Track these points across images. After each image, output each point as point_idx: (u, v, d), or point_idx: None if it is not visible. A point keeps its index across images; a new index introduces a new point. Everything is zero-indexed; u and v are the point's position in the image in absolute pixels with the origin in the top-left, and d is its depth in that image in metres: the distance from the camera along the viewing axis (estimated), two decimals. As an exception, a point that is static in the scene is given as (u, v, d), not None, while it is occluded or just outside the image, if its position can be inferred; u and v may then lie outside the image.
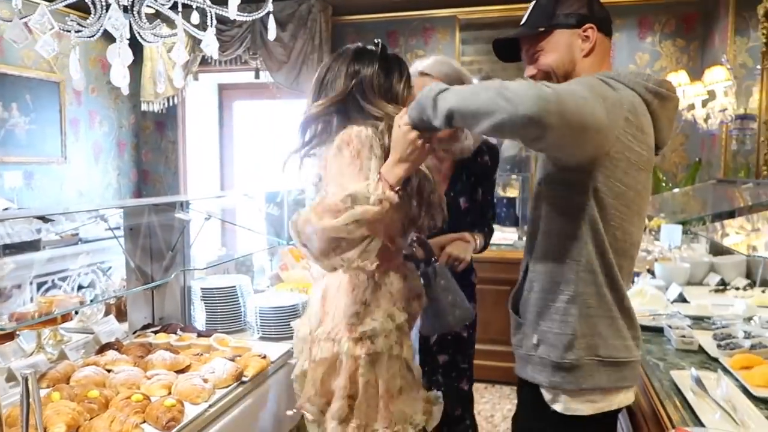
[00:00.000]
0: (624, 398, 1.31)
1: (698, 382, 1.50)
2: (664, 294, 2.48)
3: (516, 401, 1.51)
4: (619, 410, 1.33)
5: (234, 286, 2.40)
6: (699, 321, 2.14)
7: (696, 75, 3.97)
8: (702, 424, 1.32)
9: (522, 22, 1.42)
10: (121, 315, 2.44)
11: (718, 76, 3.40)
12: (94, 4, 2.26)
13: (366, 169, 1.37)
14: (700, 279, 2.82)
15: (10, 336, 1.99)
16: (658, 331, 2.03)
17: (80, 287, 3.60)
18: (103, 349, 2.00)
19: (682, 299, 2.44)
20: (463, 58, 5.01)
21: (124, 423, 1.47)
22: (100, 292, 2.80)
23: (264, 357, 1.94)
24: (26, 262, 3.50)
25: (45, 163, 4.74)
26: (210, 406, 1.65)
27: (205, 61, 5.04)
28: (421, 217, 1.57)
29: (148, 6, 2.45)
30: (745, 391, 1.48)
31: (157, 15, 2.71)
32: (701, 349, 1.83)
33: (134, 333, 2.26)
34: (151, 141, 5.76)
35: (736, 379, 1.55)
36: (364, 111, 1.49)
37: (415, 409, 1.55)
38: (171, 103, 5.26)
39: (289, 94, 5.09)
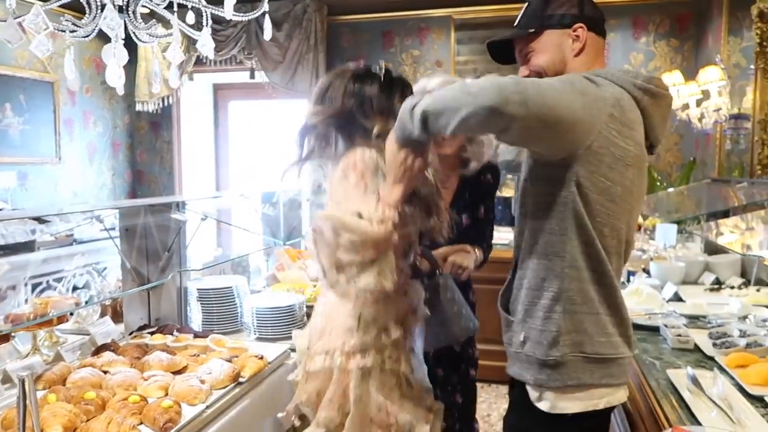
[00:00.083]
0: (613, 398, 1.30)
1: (694, 380, 1.50)
2: (659, 293, 2.49)
3: None
4: (608, 410, 1.31)
5: (230, 287, 2.40)
6: (694, 320, 2.15)
7: (690, 75, 3.99)
8: (699, 423, 1.33)
9: (515, 24, 1.43)
10: (117, 316, 2.43)
11: (712, 76, 3.42)
12: (89, 4, 2.25)
13: (371, 192, 1.37)
14: (695, 278, 2.84)
15: (6, 338, 1.97)
16: (654, 330, 2.04)
17: (75, 288, 3.58)
18: (99, 350, 1.99)
19: (677, 298, 2.45)
20: (458, 57, 5.01)
21: (121, 425, 1.47)
22: (96, 293, 2.80)
23: (261, 358, 1.93)
24: (21, 263, 3.49)
25: (39, 163, 4.72)
26: (207, 407, 1.64)
27: (200, 61, 5.03)
28: (428, 230, 1.56)
29: (143, 6, 2.44)
30: (741, 390, 1.49)
31: (152, 15, 2.70)
32: (697, 348, 1.83)
33: (130, 334, 2.26)
34: (146, 141, 5.74)
35: (732, 378, 1.56)
36: (366, 130, 1.47)
37: (414, 423, 1.52)
38: (166, 103, 5.25)
39: (284, 94, 5.08)
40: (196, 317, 2.37)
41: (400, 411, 1.50)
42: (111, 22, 2.12)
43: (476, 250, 1.94)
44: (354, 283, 1.32)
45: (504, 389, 3.26)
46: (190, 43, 4.65)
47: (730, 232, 3.07)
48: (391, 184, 1.34)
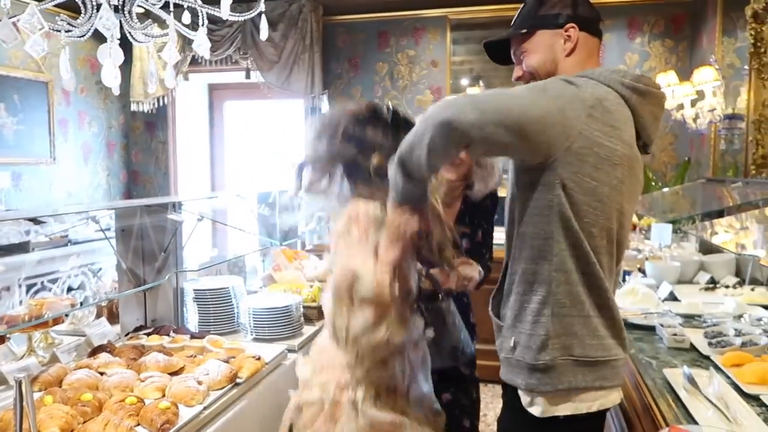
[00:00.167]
0: (606, 400, 1.28)
1: (691, 379, 1.51)
2: (655, 293, 2.50)
3: None
4: (602, 412, 1.30)
5: (227, 288, 2.39)
6: (690, 319, 2.16)
7: (685, 75, 4.01)
8: (695, 422, 1.33)
9: (511, 24, 1.44)
10: (113, 317, 2.42)
11: (706, 77, 3.43)
12: (84, 3, 2.24)
13: (372, 250, 1.40)
14: (690, 277, 2.85)
15: (0, 339, 1.96)
16: (650, 329, 2.04)
17: (70, 289, 3.57)
18: (95, 351, 1.98)
19: (673, 298, 2.46)
20: (453, 58, 5.02)
21: (119, 426, 1.46)
22: (91, 293, 2.78)
23: (258, 358, 1.93)
24: (15, 264, 3.47)
25: (33, 163, 4.69)
26: (205, 408, 1.64)
27: (195, 61, 5.02)
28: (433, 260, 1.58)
29: (138, 6, 2.44)
30: (737, 389, 1.50)
31: (147, 14, 2.69)
32: (693, 347, 1.84)
33: (126, 335, 2.25)
34: (141, 141, 5.72)
35: (728, 377, 1.57)
36: (371, 179, 1.46)
37: None
38: (161, 104, 5.23)
39: (280, 94, 5.07)
40: (192, 318, 2.36)
41: None
42: (107, 21, 2.11)
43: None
44: (358, 341, 1.37)
45: (500, 389, 3.22)
46: (185, 42, 4.63)
47: (724, 232, 3.09)
48: (388, 244, 1.37)
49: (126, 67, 4.77)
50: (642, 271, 2.93)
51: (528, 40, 1.39)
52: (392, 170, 1.29)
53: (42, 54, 2.25)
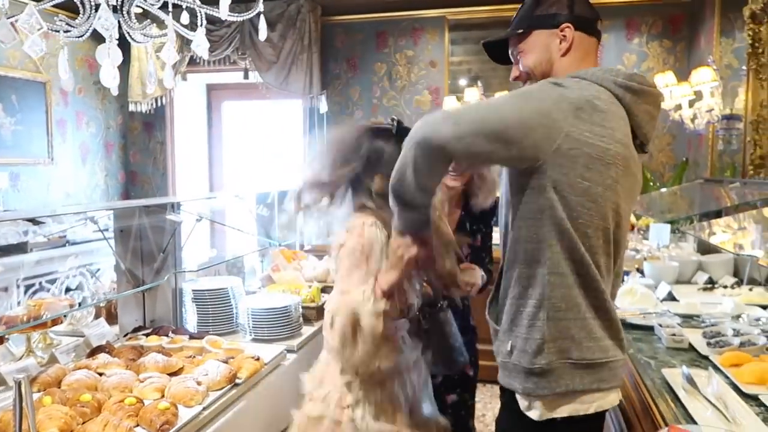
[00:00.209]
0: (604, 401, 1.28)
1: (689, 379, 1.51)
2: (653, 293, 2.51)
3: None
4: (600, 413, 1.29)
5: (226, 288, 2.39)
6: (688, 319, 2.16)
7: (683, 76, 4.02)
8: (694, 422, 1.34)
9: (510, 24, 1.44)
10: (112, 318, 2.42)
11: (704, 77, 3.44)
12: (83, 4, 2.24)
13: (372, 273, 1.47)
14: (688, 277, 2.86)
15: (-1, 340, 1.96)
16: (649, 329, 2.05)
17: (68, 290, 3.56)
18: (94, 352, 1.98)
19: (671, 298, 2.46)
20: (452, 58, 5.02)
21: (118, 427, 1.46)
22: (89, 294, 2.77)
23: (257, 359, 1.93)
24: (13, 264, 3.46)
25: (31, 164, 4.69)
26: (204, 409, 1.64)
27: (193, 61, 5.01)
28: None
29: (137, 6, 2.43)
30: (736, 389, 1.50)
31: (145, 15, 2.68)
32: (691, 347, 1.85)
33: (125, 336, 2.25)
34: (139, 142, 5.71)
35: (727, 377, 1.57)
36: (372, 197, 1.53)
37: None
38: (159, 104, 5.23)
39: (278, 94, 5.07)
40: (191, 318, 2.36)
41: None
42: (105, 22, 2.11)
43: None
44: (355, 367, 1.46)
45: (498, 389, 3.22)
46: (183, 43, 4.63)
47: (722, 232, 3.09)
48: (387, 269, 1.44)
49: (124, 67, 4.77)
50: (640, 271, 2.94)
51: (524, 40, 1.39)
52: (390, 200, 1.33)
53: (40, 54, 2.25)
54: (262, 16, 2.58)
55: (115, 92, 2.59)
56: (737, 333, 1.85)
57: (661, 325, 1.98)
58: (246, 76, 5.08)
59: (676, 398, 1.46)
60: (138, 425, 1.52)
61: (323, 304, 2.56)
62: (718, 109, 3.41)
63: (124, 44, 2.35)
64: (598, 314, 1.26)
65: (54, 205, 4.86)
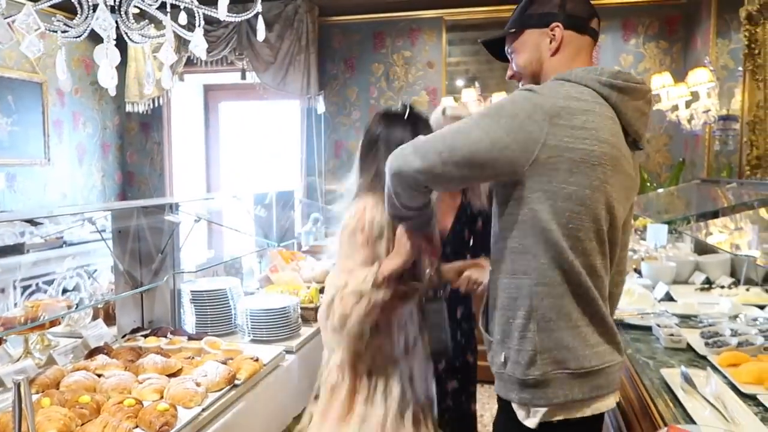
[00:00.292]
0: (601, 404, 1.27)
1: (688, 379, 1.52)
2: (651, 293, 2.52)
3: None
4: (598, 416, 1.28)
5: (224, 289, 2.39)
6: (686, 319, 2.17)
7: (679, 76, 4.03)
8: (693, 422, 1.34)
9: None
10: (110, 319, 2.41)
11: (701, 78, 3.45)
12: (80, 4, 2.23)
13: (373, 255, 1.57)
14: (685, 278, 2.87)
15: (-3, 341, 1.96)
16: (647, 329, 2.06)
17: (65, 291, 3.55)
18: (92, 353, 1.98)
19: (669, 298, 2.47)
20: (449, 59, 5.03)
21: (117, 428, 1.46)
22: (87, 295, 2.77)
23: (256, 360, 1.93)
24: (10, 265, 3.45)
25: (28, 164, 4.67)
26: (203, 410, 1.64)
27: (190, 62, 5.00)
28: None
29: (135, 6, 2.43)
30: (734, 388, 1.51)
31: (142, 15, 2.68)
32: (689, 347, 1.85)
33: (123, 337, 2.24)
34: (136, 142, 5.70)
35: (725, 377, 1.58)
36: (379, 179, 1.56)
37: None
38: (156, 104, 5.22)
39: (275, 94, 5.07)
40: (189, 319, 2.36)
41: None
42: (103, 22, 2.10)
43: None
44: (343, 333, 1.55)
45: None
46: (180, 43, 4.62)
47: (719, 232, 3.10)
48: (391, 256, 1.55)
49: (121, 68, 4.77)
50: (638, 271, 2.95)
51: (517, 39, 1.38)
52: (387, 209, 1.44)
53: (38, 54, 2.24)
54: (260, 17, 2.58)
55: (112, 93, 2.58)
56: (735, 333, 1.85)
57: (659, 326, 1.99)
58: (243, 77, 5.08)
59: (675, 398, 1.47)
60: (137, 426, 1.52)
61: (322, 305, 2.57)
62: (714, 109, 3.42)
63: (120, 45, 2.34)
64: (593, 321, 1.25)
65: (51, 205, 4.85)
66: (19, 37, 2.25)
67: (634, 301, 2.38)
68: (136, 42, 2.51)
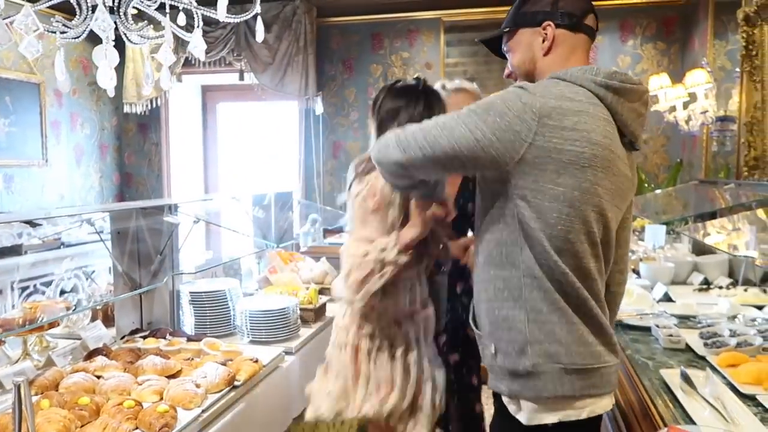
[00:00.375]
0: (597, 406, 1.25)
1: (687, 380, 1.52)
2: (649, 293, 2.52)
3: None
4: (592, 419, 1.27)
5: (223, 290, 2.38)
6: (685, 320, 2.17)
7: (677, 77, 4.04)
8: (693, 422, 1.35)
9: None
10: (108, 320, 2.40)
11: (698, 79, 3.46)
12: (79, 5, 2.23)
13: (386, 221, 1.67)
14: (683, 278, 2.87)
15: (-5, 343, 1.95)
16: (646, 330, 2.06)
17: (63, 292, 3.54)
18: (91, 355, 1.97)
19: (667, 298, 2.48)
20: (447, 60, 5.03)
21: (117, 430, 1.46)
22: (85, 296, 2.76)
23: (256, 361, 1.92)
24: (8, 266, 3.44)
25: (25, 165, 4.66)
26: (203, 412, 1.63)
27: (188, 63, 5.00)
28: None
29: (133, 7, 2.42)
30: (733, 389, 1.51)
31: (140, 16, 2.67)
32: (688, 348, 1.86)
33: (122, 338, 2.24)
34: (134, 143, 5.69)
35: (724, 377, 1.58)
36: None
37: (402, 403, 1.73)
38: (154, 105, 5.21)
39: (273, 95, 5.06)
40: (188, 321, 2.35)
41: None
42: (102, 23, 2.10)
43: None
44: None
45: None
46: (178, 44, 4.62)
47: (717, 233, 3.11)
48: (409, 226, 1.63)
49: (119, 69, 4.77)
50: (636, 272, 2.95)
51: (512, 38, 1.38)
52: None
53: (36, 55, 2.23)
54: (259, 18, 2.58)
55: (111, 94, 2.58)
56: (734, 333, 1.86)
57: (658, 326, 1.99)
58: (241, 78, 5.07)
59: (675, 399, 1.47)
60: (137, 428, 1.52)
61: (321, 306, 2.57)
62: (712, 110, 3.43)
63: (118, 46, 2.34)
64: (586, 320, 1.23)
65: (48, 207, 4.84)
66: (17, 38, 2.25)
67: (633, 301, 2.38)
68: (134, 43, 2.51)
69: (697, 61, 3.91)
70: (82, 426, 1.49)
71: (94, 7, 2.22)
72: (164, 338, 2.15)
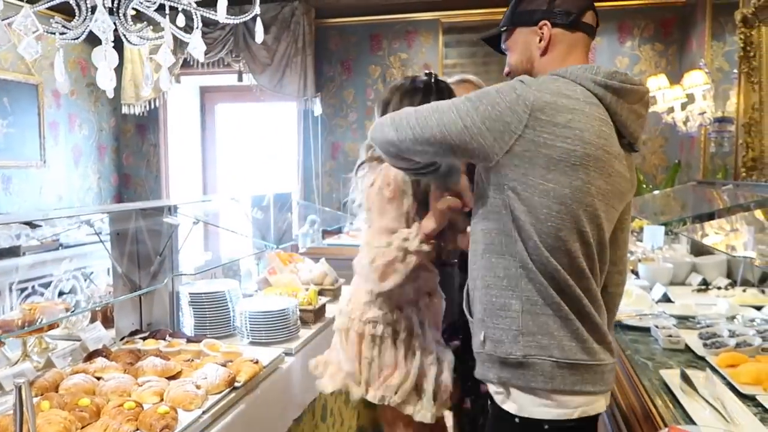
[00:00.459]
0: (590, 407, 1.24)
1: (687, 380, 1.53)
2: (648, 294, 2.53)
3: None
4: (588, 420, 1.25)
5: (223, 291, 2.38)
6: (684, 320, 2.18)
7: (675, 78, 4.05)
8: (693, 422, 1.35)
9: None
10: (108, 321, 2.40)
11: (696, 80, 3.47)
12: (78, 6, 2.23)
13: (403, 211, 1.70)
14: (682, 279, 2.88)
15: (-5, 344, 1.94)
16: (645, 330, 2.06)
17: (61, 293, 3.54)
18: (91, 356, 1.96)
19: (666, 299, 2.48)
20: (446, 60, 5.04)
21: (118, 431, 1.46)
22: (84, 297, 2.75)
23: (256, 362, 1.92)
24: (6, 268, 3.44)
25: (23, 167, 4.65)
26: (204, 413, 1.63)
27: (187, 64, 5.00)
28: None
29: (132, 8, 2.42)
30: (732, 389, 1.52)
31: (139, 17, 2.67)
32: (688, 348, 1.86)
33: (122, 339, 2.23)
34: (132, 144, 5.69)
35: (723, 377, 1.59)
36: None
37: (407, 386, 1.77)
38: (152, 106, 5.21)
39: (272, 96, 5.07)
40: (188, 322, 2.35)
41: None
42: (102, 24, 2.09)
43: None
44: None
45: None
46: (177, 45, 4.61)
47: (715, 234, 3.12)
48: (430, 216, 1.66)
49: (117, 69, 4.76)
50: (635, 272, 2.96)
51: (509, 38, 1.37)
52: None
53: (35, 56, 2.23)
54: (258, 19, 2.57)
55: (110, 95, 2.57)
56: (733, 334, 1.87)
57: (657, 327, 2.00)
58: (240, 79, 5.08)
59: (675, 399, 1.48)
60: (137, 429, 1.51)
61: (321, 307, 2.57)
62: (710, 111, 3.44)
63: (117, 47, 2.34)
64: (580, 317, 1.22)
65: (46, 208, 4.83)
66: (15, 39, 2.24)
67: (632, 302, 2.39)
68: (134, 44, 2.51)
69: (695, 63, 3.93)
70: (82, 427, 1.49)
71: (93, 8, 2.22)
72: (164, 339, 2.14)
